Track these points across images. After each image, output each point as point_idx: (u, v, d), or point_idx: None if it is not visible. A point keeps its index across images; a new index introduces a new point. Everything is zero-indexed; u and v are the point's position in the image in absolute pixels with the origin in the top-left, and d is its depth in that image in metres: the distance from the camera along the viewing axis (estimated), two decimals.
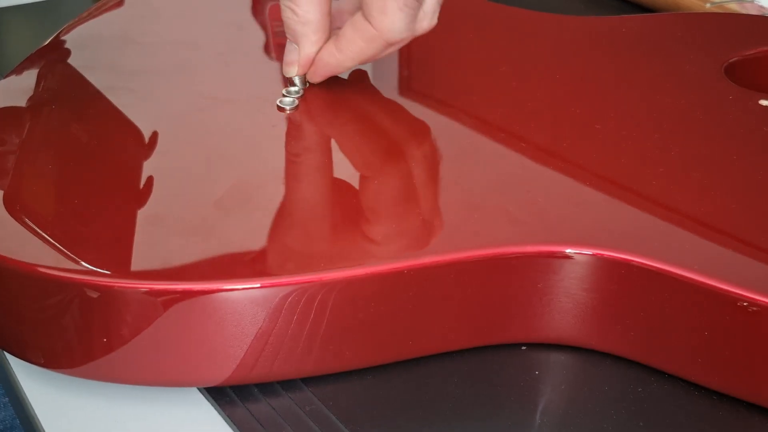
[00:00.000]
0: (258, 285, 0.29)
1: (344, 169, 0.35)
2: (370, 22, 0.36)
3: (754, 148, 0.36)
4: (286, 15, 0.38)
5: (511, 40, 0.45)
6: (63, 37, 0.44)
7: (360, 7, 0.37)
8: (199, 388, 0.32)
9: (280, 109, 0.38)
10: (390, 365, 0.32)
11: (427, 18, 0.37)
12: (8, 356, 0.33)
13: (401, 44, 0.37)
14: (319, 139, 0.38)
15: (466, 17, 0.46)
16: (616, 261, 0.30)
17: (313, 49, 0.38)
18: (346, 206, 0.33)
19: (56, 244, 0.30)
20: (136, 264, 0.29)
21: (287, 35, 0.38)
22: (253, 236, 0.31)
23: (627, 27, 0.46)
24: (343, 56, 0.38)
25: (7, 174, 0.34)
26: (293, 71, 0.39)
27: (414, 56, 0.38)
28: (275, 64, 0.42)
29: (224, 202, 0.32)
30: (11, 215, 0.32)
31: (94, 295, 0.29)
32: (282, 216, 0.32)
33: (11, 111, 0.38)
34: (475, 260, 0.30)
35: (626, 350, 0.32)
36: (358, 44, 0.37)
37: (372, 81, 0.41)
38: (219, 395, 0.31)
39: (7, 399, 0.48)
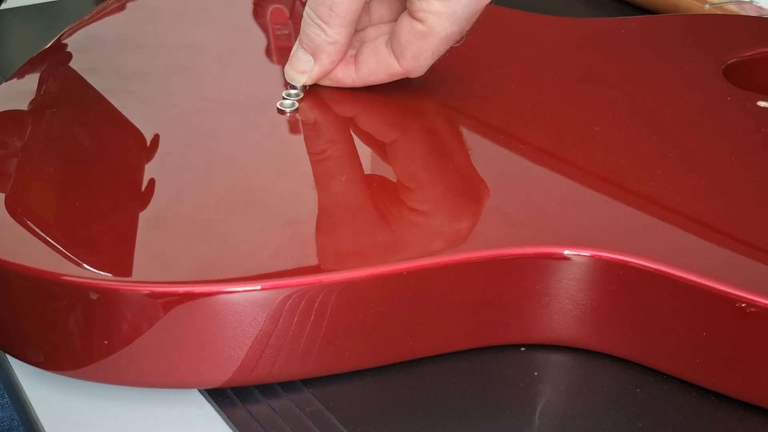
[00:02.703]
0: (259, 287, 0.29)
1: (344, 171, 0.35)
2: (398, 62, 0.36)
3: (753, 149, 0.37)
4: (313, 31, 0.37)
5: (510, 41, 0.45)
6: (64, 40, 0.44)
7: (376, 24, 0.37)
8: (199, 389, 0.32)
9: (281, 111, 0.38)
10: (390, 366, 0.32)
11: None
12: (9, 357, 0.33)
13: None
14: (319, 141, 0.38)
15: None
16: (615, 262, 0.30)
17: (331, 66, 0.38)
18: (347, 208, 0.33)
19: (58, 246, 0.30)
20: (138, 266, 0.30)
21: (304, 46, 0.38)
22: (253, 238, 0.31)
23: (626, 28, 0.46)
24: (361, 81, 0.38)
25: (8, 177, 0.34)
26: (302, 80, 0.39)
27: None
28: (275, 67, 0.42)
29: (225, 204, 0.33)
30: (13, 218, 0.32)
31: (96, 297, 0.29)
32: (282, 218, 0.32)
33: (13, 114, 0.38)
34: (474, 262, 0.30)
35: (625, 351, 0.32)
36: (379, 76, 0.38)
37: None
38: (219, 396, 0.31)
39: (6, 399, 0.48)
